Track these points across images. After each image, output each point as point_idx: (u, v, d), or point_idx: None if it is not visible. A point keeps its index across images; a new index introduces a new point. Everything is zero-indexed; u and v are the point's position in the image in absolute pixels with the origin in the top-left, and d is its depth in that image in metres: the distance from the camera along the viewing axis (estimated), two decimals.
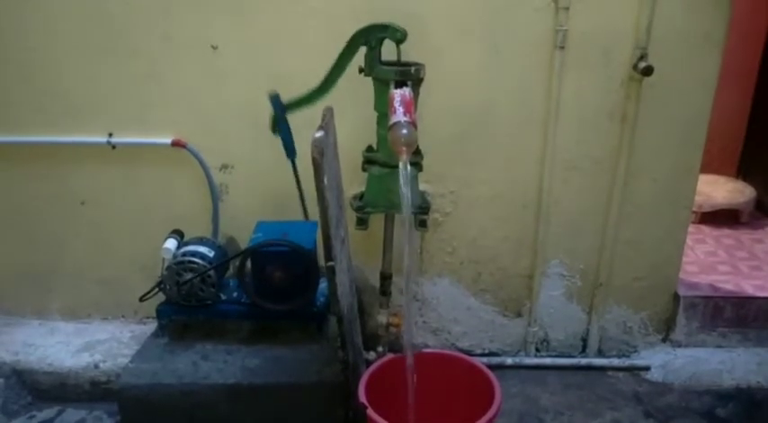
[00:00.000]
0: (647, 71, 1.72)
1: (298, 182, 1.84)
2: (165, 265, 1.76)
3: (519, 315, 2.09)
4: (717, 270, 2.29)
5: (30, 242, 2.09)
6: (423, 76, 1.56)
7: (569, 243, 1.99)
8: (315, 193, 1.35)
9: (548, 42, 1.76)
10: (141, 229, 2.03)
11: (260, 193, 1.97)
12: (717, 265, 2.33)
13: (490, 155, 1.90)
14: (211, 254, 1.78)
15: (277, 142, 1.74)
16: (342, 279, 1.48)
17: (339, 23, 1.61)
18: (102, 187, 2.00)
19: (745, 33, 2.76)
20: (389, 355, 1.62)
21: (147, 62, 1.84)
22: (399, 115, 1.37)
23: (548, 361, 2.10)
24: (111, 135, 1.91)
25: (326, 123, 1.44)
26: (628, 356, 2.11)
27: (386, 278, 1.81)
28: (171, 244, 1.80)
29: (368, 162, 1.68)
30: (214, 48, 1.82)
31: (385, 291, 1.82)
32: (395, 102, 1.41)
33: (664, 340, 2.13)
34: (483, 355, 2.11)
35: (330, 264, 1.40)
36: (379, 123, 1.61)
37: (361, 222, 1.71)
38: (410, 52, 1.60)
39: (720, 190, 2.69)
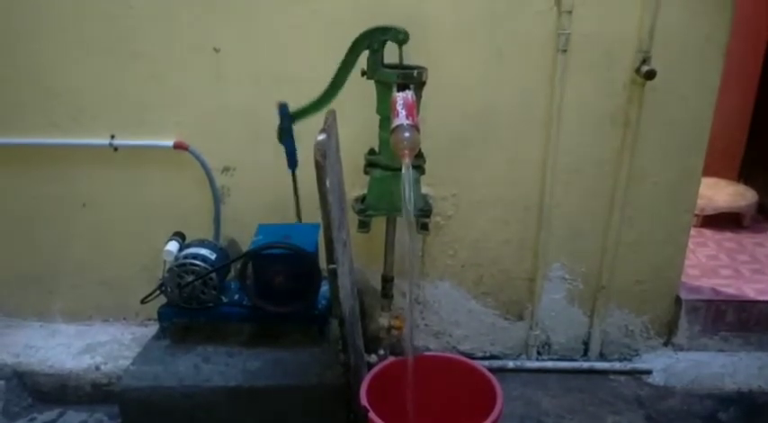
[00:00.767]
0: (650, 75, 1.72)
1: (296, 191, 1.85)
2: (167, 267, 1.76)
3: (520, 318, 2.09)
4: (719, 274, 2.28)
5: (31, 244, 2.09)
6: (425, 79, 1.57)
7: (571, 246, 1.99)
8: (315, 197, 1.35)
9: (550, 46, 1.76)
10: (143, 232, 2.03)
11: (262, 196, 1.97)
12: (719, 268, 2.33)
13: (492, 158, 1.90)
14: (213, 256, 1.78)
15: (279, 145, 1.74)
16: (343, 282, 1.48)
17: (341, 26, 1.61)
18: (104, 189, 2.00)
19: (747, 37, 2.76)
20: (391, 358, 1.62)
21: (149, 64, 1.84)
22: (402, 118, 1.37)
23: (549, 364, 2.09)
24: (113, 137, 1.92)
25: (329, 126, 1.44)
26: (629, 360, 2.11)
27: (387, 281, 1.81)
28: (172, 246, 1.80)
29: (370, 165, 1.68)
30: (216, 50, 1.82)
31: (386, 293, 1.82)
32: (397, 105, 1.41)
33: (665, 344, 2.13)
34: (484, 358, 2.11)
35: (332, 266, 1.40)
36: (381, 126, 1.61)
37: (363, 225, 1.70)
38: (412, 55, 1.60)
39: (722, 193, 2.69)
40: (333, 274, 1.41)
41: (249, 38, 1.80)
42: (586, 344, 2.11)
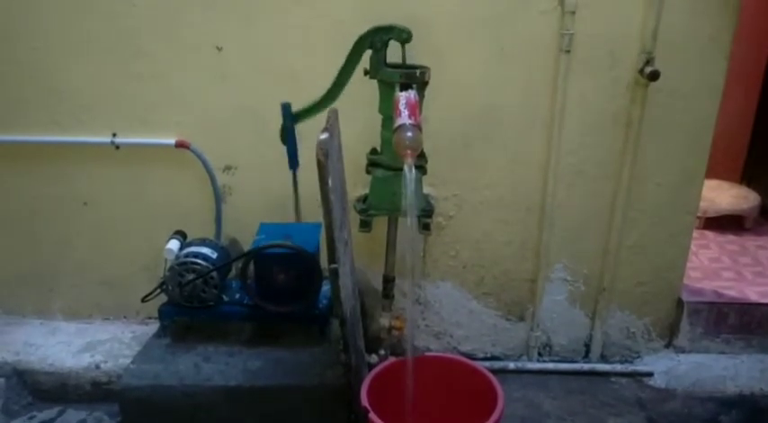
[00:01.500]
0: (654, 76, 1.72)
1: (296, 192, 1.84)
2: (168, 265, 1.76)
3: (522, 319, 2.09)
4: (721, 276, 2.28)
5: (32, 242, 2.09)
6: (428, 78, 1.56)
7: (573, 247, 1.99)
8: (316, 197, 1.35)
9: (553, 46, 1.76)
10: (144, 230, 2.03)
11: (263, 195, 1.96)
12: (721, 271, 2.32)
13: (494, 158, 1.90)
14: (214, 255, 1.78)
15: (281, 144, 1.74)
16: (345, 282, 1.47)
17: (343, 25, 1.61)
18: (105, 187, 2.00)
19: (750, 39, 2.75)
20: (392, 359, 1.62)
21: (151, 63, 1.84)
22: (404, 118, 1.36)
23: (550, 366, 2.09)
24: (114, 135, 1.91)
25: (331, 125, 1.44)
26: (631, 362, 2.10)
27: (389, 281, 1.81)
28: (173, 245, 1.80)
29: (372, 164, 1.68)
30: (219, 49, 1.82)
31: (388, 294, 1.82)
32: (400, 104, 1.41)
33: (667, 346, 2.12)
34: (485, 359, 2.11)
35: (333, 266, 1.40)
36: (383, 126, 1.61)
37: (365, 225, 1.70)
38: (415, 55, 1.59)
39: (725, 196, 2.68)
40: (334, 274, 1.41)
41: (251, 36, 1.80)
42: (588, 345, 2.11)
